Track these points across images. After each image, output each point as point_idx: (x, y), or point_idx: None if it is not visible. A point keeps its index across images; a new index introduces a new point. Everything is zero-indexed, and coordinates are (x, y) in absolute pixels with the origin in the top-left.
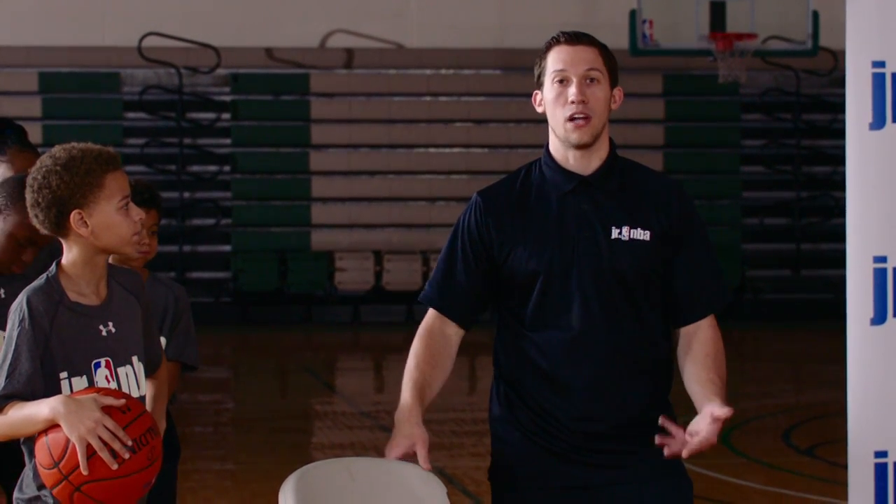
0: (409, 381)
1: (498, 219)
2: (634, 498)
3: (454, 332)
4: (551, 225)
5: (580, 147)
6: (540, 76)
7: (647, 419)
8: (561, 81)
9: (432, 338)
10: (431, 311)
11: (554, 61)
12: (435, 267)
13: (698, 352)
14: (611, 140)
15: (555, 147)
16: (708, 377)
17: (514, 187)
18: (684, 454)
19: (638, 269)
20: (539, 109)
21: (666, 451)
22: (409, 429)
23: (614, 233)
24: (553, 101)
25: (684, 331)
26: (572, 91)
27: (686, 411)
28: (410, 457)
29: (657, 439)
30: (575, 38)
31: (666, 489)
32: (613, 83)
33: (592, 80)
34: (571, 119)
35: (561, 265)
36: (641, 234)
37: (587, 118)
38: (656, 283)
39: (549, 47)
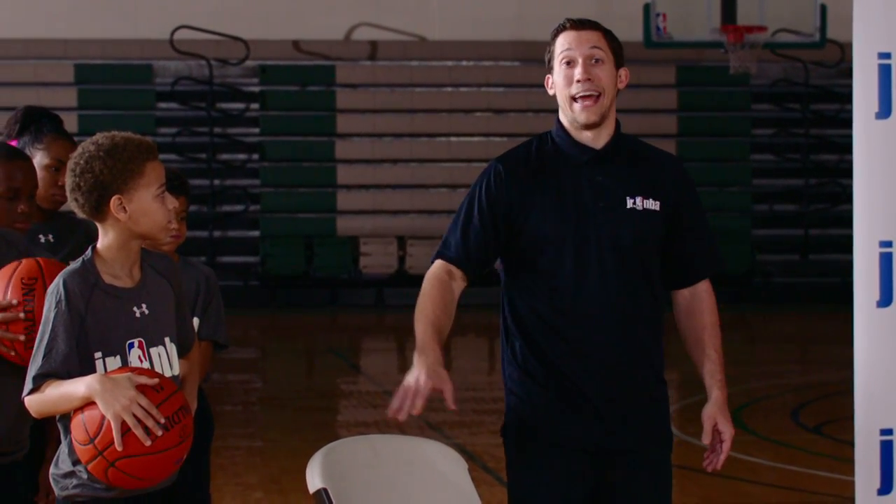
0: (426, 321)
1: (517, 184)
2: (639, 461)
3: (458, 287)
4: (568, 194)
5: (589, 127)
6: (550, 61)
7: (648, 382)
8: (568, 63)
9: (442, 283)
10: (440, 262)
11: (560, 45)
12: (449, 227)
13: (695, 318)
14: (616, 120)
15: (566, 124)
16: (706, 353)
17: (530, 156)
18: (710, 468)
19: (651, 237)
20: (551, 92)
21: (706, 465)
22: (438, 369)
23: (629, 203)
24: (561, 81)
25: (683, 293)
26: (578, 70)
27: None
28: (439, 395)
29: (705, 462)
30: (579, 24)
31: (655, 459)
32: (619, 64)
33: (597, 60)
34: (578, 99)
35: (577, 232)
36: (653, 205)
37: (594, 96)
38: (657, 250)
39: (556, 33)
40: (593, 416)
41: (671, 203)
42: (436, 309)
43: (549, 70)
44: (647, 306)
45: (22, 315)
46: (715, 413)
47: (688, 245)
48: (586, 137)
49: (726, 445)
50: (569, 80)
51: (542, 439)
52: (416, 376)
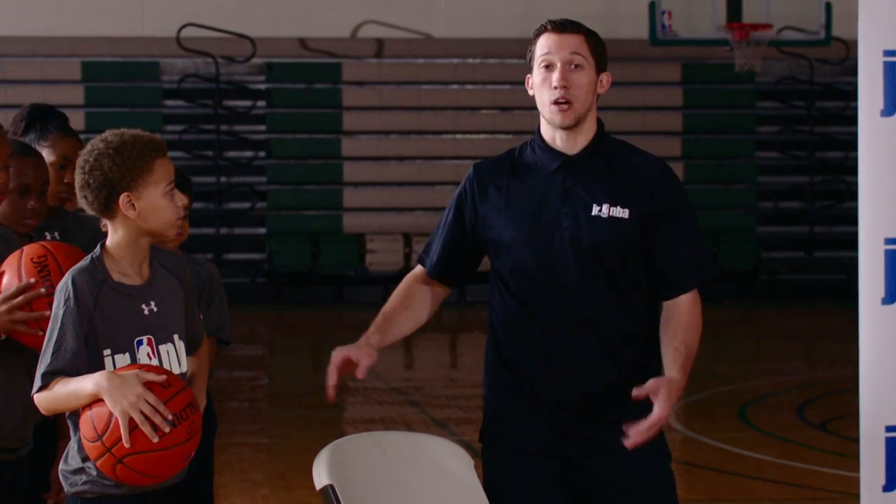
0: (380, 313)
1: (485, 190)
2: (613, 469)
3: (432, 290)
4: (534, 200)
5: (564, 128)
6: (530, 61)
7: (625, 390)
8: (547, 67)
9: (415, 282)
10: (419, 266)
11: (541, 47)
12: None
13: (671, 322)
14: (599, 121)
15: (544, 128)
16: (674, 346)
17: (506, 163)
18: (639, 439)
19: (615, 246)
20: (530, 92)
21: (629, 436)
22: (360, 343)
23: (594, 210)
24: (539, 84)
25: (666, 304)
26: (556, 76)
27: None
28: (350, 369)
29: (624, 427)
30: (561, 27)
31: (644, 461)
32: (600, 69)
33: (576, 65)
34: (555, 103)
35: (540, 239)
36: (620, 212)
37: (569, 103)
38: (637, 259)
39: (537, 34)
40: (553, 422)
41: (643, 211)
42: (393, 302)
43: (530, 70)
44: (616, 315)
45: (43, 290)
46: (660, 384)
47: (664, 257)
48: (561, 143)
49: (645, 424)
50: (547, 84)
51: (508, 446)
52: (334, 350)
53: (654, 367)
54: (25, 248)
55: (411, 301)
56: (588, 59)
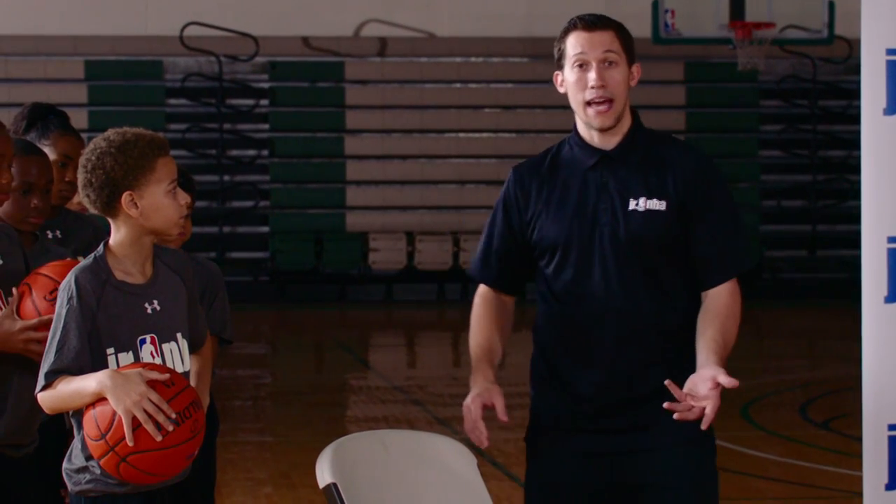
0: (474, 346)
1: (527, 191)
2: (654, 465)
3: (506, 297)
4: (573, 198)
5: (605, 130)
6: (560, 59)
7: (657, 386)
8: (580, 66)
9: (488, 302)
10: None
11: (572, 46)
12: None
13: (708, 313)
14: (634, 112)
15: (580, 126)
16: (711, 336)
17: (543, 163)
18: (703, 426)
19: (654, 238)
20: (561, 90)
21: (676, 416)
22: (483, 384)
23: (631, 204)
24: (574, 84)
25: (704, 294)
26: (592, 76)
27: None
28: (489, 410)
29: (666, 405)
30: (591, 24)
31: (686, 456)
32: (631, 61)
33: (610, 62)
34: (592, 104)
35: (580, 236)
36: (657, 205)
37: (608, 102)
38: (677, 251)
39: (567, 31)
40: (597, 420)
41: (680, 202)
42: (482, 329)
43: (559, 67)
44: (656, 310)
45: None
46: (719, 379)
47: (701, 248)
48: (598, 139)
49: (708, 411)
50: (582, 84)
51: (553, 447)
52: (466, 401)
53: (678, 359)
54: (32, 286)
55: (499, 323)
56: (620, 54)
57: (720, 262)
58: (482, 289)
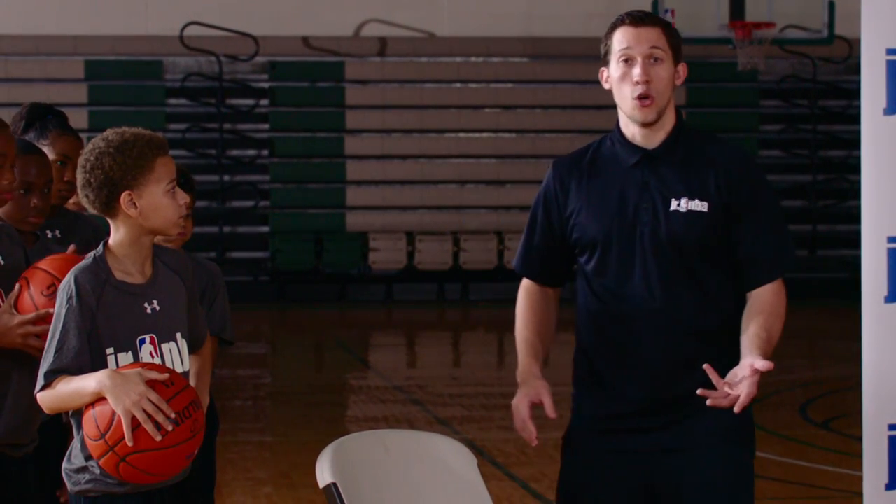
0: (521, 341)
1: (566, 187)
2: (691, 465)
3: (549, 290)
4: (614, 196)
5: (647, 125)
6: (606, 55)
7: (708, 385)
8: (626, 61)
9: (532, 295)
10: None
11: (619, 41)
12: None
13: (752, 311)
14: (678, 112)
15: (623, 122)
16: (755, 332)
17: (584, 158)
18: (736, 410)
19: (694, 240)
20: (606, 86)
21: (709, 402)
22: (532, 381)
23: (673, 204)
24: (619, 80)
25: (748, 294)
26: (637, 71)
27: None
28: (537, 405)
29: (699, 391)
30: (639, 20)
31: (724, 457)
32: (677, 60)
33: (656, 59)
34: (637, 98)
35: (620, 234)
36: (699, 206)
37: (651, 98)
38: (719, 251)
39: (614, 27)
40: (635, 418)
41: (722, 203)
42: (529, 324)
43: (605, 63)
44: (696, 311)
45: None
46: (756, 364)
47: (744, 249)
48: (641, 137)
49: (742, 398)
50: (627, 80)
51: (590, 445)
52: (514, 401)
53: (717, 361)
54: (31, 280)
55: (544, 316)
56: (667, 51)
57: (765, 262)
58: (525, 282)
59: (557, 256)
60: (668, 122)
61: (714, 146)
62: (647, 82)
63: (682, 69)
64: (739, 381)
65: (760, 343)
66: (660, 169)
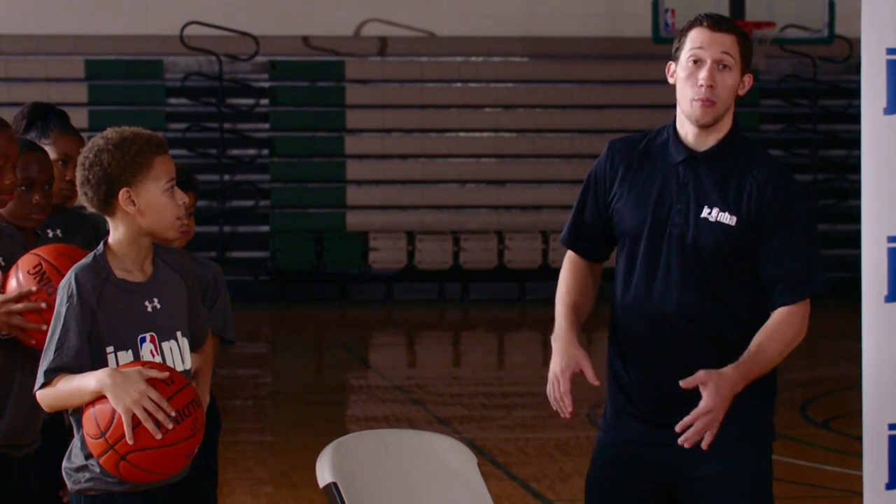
0: (561, 306)
1: (615, 170)
2: (707, 463)
3: (594, 265)
4: (654, 190)
5: (701, 126)
6: (677, 51)
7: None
8: (695, 62)
9: (576, 266)
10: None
11: (693, 40)
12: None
13: (762, 328)
14: (735, 121)
15: (679, 120)
16: (748, 348)
17: (639, 145)
18: (703, 446)
19: (716, 251)
20: (670, 81)
21: (680, 440)
22: (572, 350)
23: (704, 211)
24: (685, 78)
25: (770, 312)
26: (703, 74)
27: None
28: (578, 375)
29: (677, 427)
30: (716, 24)
31: (739, 456)
32: (745, 70)
33: (725, 66)
34: (698, 99)
35: (652, 230)
36: (728, 219)
37: (713, 102)
38: (740, 265)
39: (691, 25)
40: (649, 413)
41: (751, 220)
42: (571, 292)
43: (675, 59)
44: (709, 319)
45: (44, 305)
46: (710, 377)
47: (767, 268)
48: (692, 138)
49: (689, 417)
50: (692, 80)
51: (614, 433)
52: (552, 368)
53: None
54: (19, 261)
55: (585, 288)
56: (737, 59)
57: (785, 284)
58: (570, 254)
59: (602, 233)
60: (723, 128)
61: (758, 162)
62: (710, 87)
63: (748, 79)
64: (696, 415)
65: (746, 358)
66: (701, 173)
